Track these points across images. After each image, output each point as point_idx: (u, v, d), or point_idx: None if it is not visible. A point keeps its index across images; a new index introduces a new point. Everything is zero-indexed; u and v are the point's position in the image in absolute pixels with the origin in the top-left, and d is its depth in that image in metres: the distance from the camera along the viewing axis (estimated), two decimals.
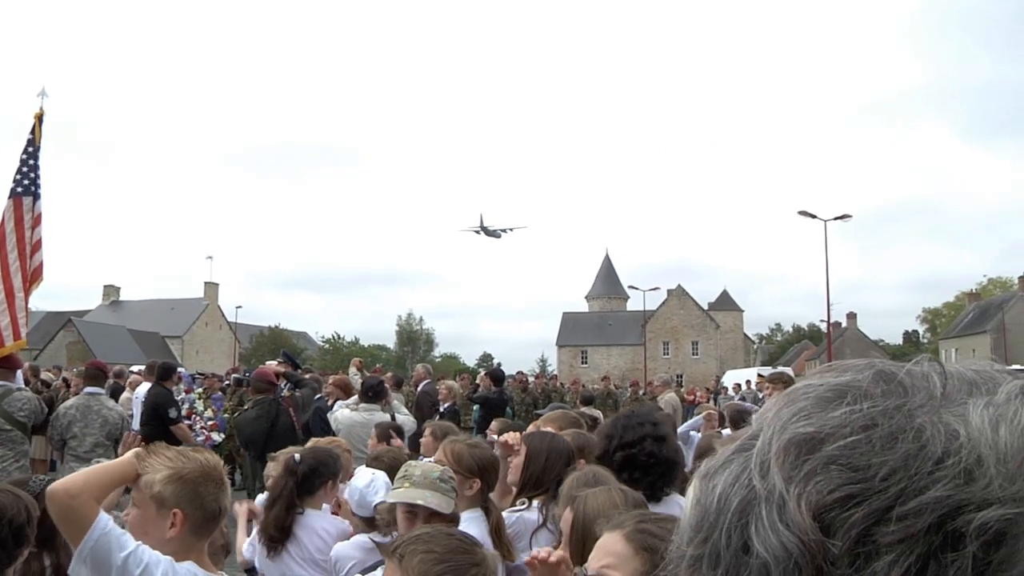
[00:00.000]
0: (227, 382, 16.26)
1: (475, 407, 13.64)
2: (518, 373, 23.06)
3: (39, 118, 7.39)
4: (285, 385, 9.67)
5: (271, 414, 8.42)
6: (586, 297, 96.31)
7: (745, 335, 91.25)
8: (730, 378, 36.95)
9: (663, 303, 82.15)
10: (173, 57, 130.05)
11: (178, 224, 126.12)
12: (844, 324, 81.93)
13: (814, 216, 35.93)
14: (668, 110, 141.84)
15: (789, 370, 42.87)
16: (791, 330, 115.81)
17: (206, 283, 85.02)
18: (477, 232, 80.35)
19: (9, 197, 7.26)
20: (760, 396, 18.92)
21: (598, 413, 10.16)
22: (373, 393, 8.05)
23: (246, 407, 9.45)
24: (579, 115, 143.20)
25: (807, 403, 0.58)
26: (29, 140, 7.37)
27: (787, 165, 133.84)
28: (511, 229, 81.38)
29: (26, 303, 7.17)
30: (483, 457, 3.58)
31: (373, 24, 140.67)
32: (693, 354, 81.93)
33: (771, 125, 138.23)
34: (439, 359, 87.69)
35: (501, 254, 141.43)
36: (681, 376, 74.55)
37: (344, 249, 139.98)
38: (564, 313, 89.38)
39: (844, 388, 0.56)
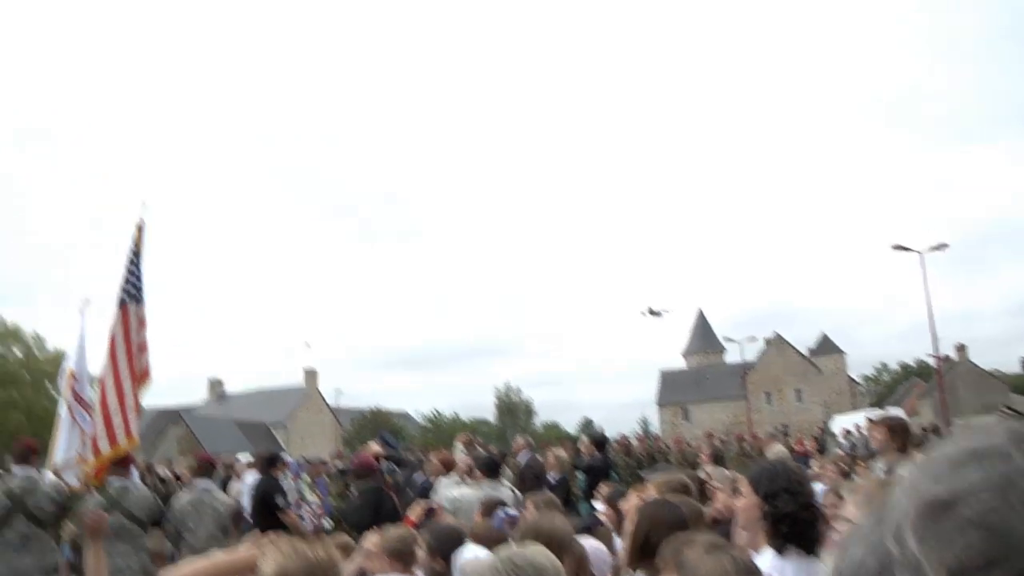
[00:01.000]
0: (336, 465, 16.50)
1: (580, 475, 13.45)
2: (620, 436, 22.76)
3: (141, 228, 7.84)
4: (387, 467, 9.79)
5: (375, 500, 8.47)
6: (682, 353, 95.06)
7: (849, 377, 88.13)
8: (837, 423, 35.52)
9: (762, 353, 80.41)
10: (262, 160, 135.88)
11: (276, 315, 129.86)
12: (954, 357, 78.19)
13: (909, 249, 34.75)
14: (745, 157, 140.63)
15: (899, 411, 41.18)
16: (898, 368, 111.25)
17: (305, 370, 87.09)
18: (644, 314, 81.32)
19: (118, 306, 7.68)
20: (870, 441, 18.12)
21: (726, 473, 9.91)
22: (490, 468, 8.06)
23: (352, 492, 9.52)
24: (660, 175, 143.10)
25: (940, 466, 0.56)
26: (132, 250, 7.81)
27: (873, 197, 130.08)
28: (669, 311, 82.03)
29: (136, 403, 7.51)
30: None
31: (429, 92, 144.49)
32: (797, 402, 79.58)
33: (852, 158, 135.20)
34: (540, 428, 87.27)
35: (594, 317, 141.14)
36: (787, 426, 71.97)
37: (438, 325, 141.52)
38: (661, 371, 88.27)
39: (978, 450, 0.54)
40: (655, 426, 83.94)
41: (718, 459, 11.33)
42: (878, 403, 77.43)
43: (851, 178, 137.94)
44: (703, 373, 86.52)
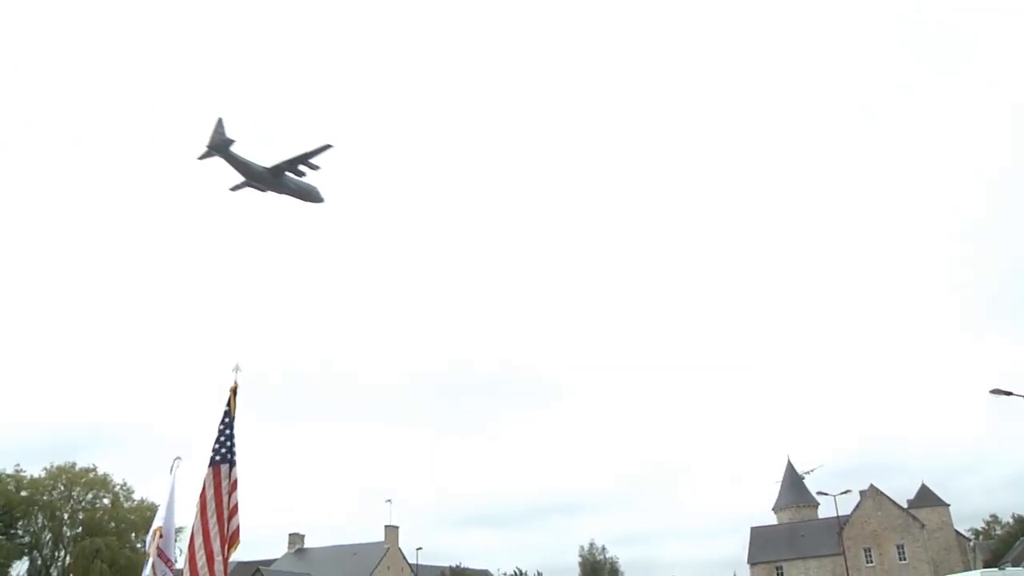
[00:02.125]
0: None
1: None
2: None
3: (234, 391, 8.12)
4: None
5: None
6: (773, 509, 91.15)
7: (957, 532, 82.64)
8: None
9: (857, 506, 76.39)
10: (340, 321, 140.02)
11: (358, 470, 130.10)
12: None
13: (1010, 393, 33.14)
14: (834, 300, 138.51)
15: (1019, 572, 38.22)
16: (1011, 521, 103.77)
17: (386, 526, 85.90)
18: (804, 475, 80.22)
19: (209, 466, 7.88)
20: None
21: None
22: None
23: None
24: (739, 320, 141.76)
25: None
26: (225, 412, 8.07)
27: (969, 339, 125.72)
28: (815, 469, 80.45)
29: (225, 566, 7.56)
30: None
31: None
32: (900, 559, 74.58)
33: (946, 301, 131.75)
34: None
35: (676, 472, 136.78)
36: None
37: (519, 482, 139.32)
38: (752, 528, 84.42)
39: None
40: None
41: None
42: (994, 561, 72.07)
43: (945, 319, 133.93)
44: (797, 529, 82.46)
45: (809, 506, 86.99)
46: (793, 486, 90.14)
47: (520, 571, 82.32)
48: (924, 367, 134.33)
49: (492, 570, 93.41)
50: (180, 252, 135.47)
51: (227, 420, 8.03)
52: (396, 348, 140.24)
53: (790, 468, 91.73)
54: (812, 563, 76.83)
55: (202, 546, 7.62)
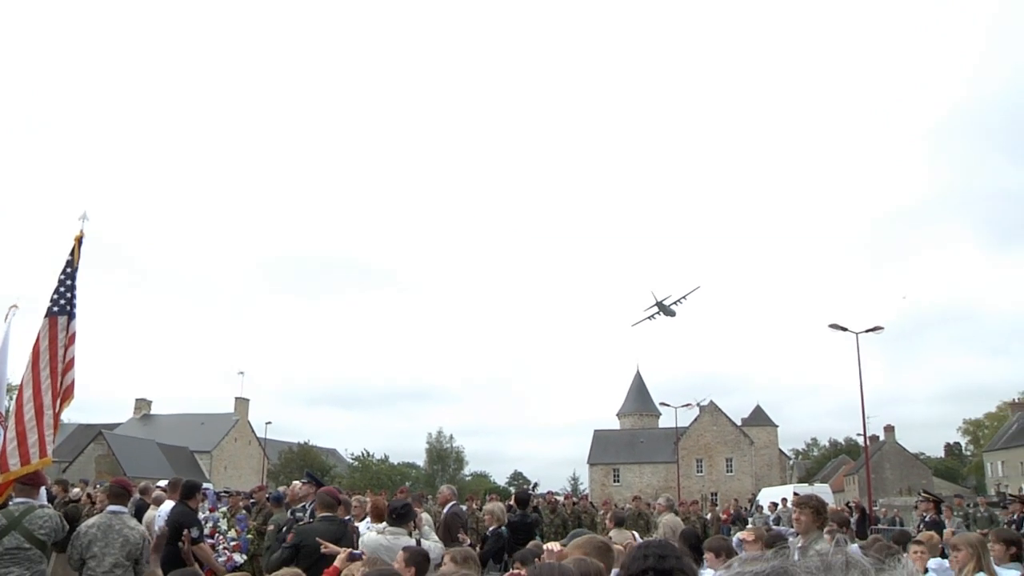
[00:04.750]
0: (252, 500, 16.07)
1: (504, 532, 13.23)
2: (548, 493, 22.66)
3: (79, 240, 7.65)
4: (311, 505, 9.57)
5: (339, 532, 7.99)
6: (617, 414, 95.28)
7: (780, 451, 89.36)
8: (765, 496, 35.92)
9: (696, 419, 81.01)
10: (203, 170, 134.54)
11: (210, 339, 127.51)
12: (882, 438, 79.88)
13: (845, 329, 35.52)
14: (695, 224, 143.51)
15: (825, 488, 41.81)
16: (827, 445, 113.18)
17: (237, 398, 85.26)
18: (654, 316, 77.39)
19: (46, 316, 7.45)
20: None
21: (628, 536, 9.85)
22: (398, 516, 7.86)
23: (307, 521, 9.07)
24: (607, 224, 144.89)
25: None
26: (68, 261, 7.61)
27: (815, 277, 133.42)
28: (685, 297, 77.25)
29: (55, 421, 7.26)
30: None
31: (395, 147, 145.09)
32: (727, 471, 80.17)
33: (799, 237, 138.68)
34: (469, 477, 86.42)
35: (530, 370, 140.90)
36: (715, 494, 72.78)
37: (374, 365, 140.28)
38: (595, 431, 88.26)
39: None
40: (585, 485, 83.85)
41: (619, 523, 11.28)
42: (807, 478, 78.43)
43: (796, 257, 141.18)
44: (637, 436, 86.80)
45: (651, 415, 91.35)
46: (639, 395, 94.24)
47: (367, 452, 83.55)
48: (775, 298, 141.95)
49: (340, 450, 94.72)
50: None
51: (69, 270, 7.58)
52: (254, 228, 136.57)
53: (638, 377, 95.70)
54: (647, 468, 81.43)
55: (31, 399, 7.27)
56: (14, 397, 7.87)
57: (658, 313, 76.56)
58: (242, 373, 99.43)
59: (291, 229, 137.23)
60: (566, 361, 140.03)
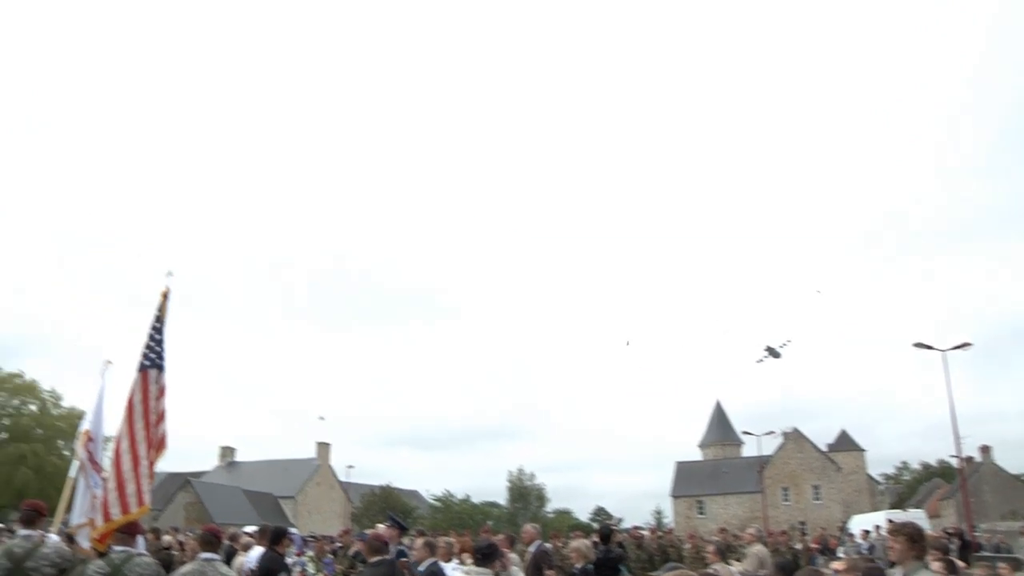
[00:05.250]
0: (338, 544, 16.28)
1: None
2: (632, 528, 22.35)
3: (165, 296, 7.98)
4: (399, 549, 9.67)
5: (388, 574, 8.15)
6: (699, 445, 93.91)
7: (869, 476, 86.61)
8: (857, 523, 34.75)
9: (780, 447, 79.26)
10: (275, 217, 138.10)
11: (291, 386, 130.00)
12: (978, 459, 76.45)
13: (931, 347, 34.39)
14: (772, 247, 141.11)
15: (920, 514, 40.20)
16: (919, 468, 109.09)
17: (318, 443, 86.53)
18: (762, 360, 77.75)
19: (137, 370, 7.76)
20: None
21: (732, 568, 9.67)
22: (483, 556, 7.88)
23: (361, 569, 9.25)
24: (678, 261, 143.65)
25: None
26: (156, 316, 7.93)
27: (897, 295, 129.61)
28: (789, 341, 77.79)
29: (151, 471, 7.52)
30: None
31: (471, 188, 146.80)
32: (815, 499, 77.93)
33: (878, 256, 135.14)
34: (551, 514, 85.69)
35: (607, 404, 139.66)
36: (804, 523, 70.76)
37: (452, 405, 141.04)
38: (677, 462, 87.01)
39: None
40: (669, 518, 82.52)
41: (724, 555, 11.01)
42: (899, 504, 75.74)
43: (877, 275, 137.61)
44: (720, 466, 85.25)
45: (733, 444, 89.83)
46: (720, 424, 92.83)
47: (449, 493, 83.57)
48: (856, 318, 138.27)
49: (421, 491, 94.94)
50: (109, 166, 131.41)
51: (158, 325, 7.91)
52: (318, 256, 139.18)
53: (718, 407, 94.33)
54: (732, 499, 79.73)
55: (128, 450, 7.57)
56: (111, 449, 8.20)
57: (767, 357, 75.85)
58: (322, 418, 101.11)
59: (365, 269, 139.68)
60: (643, 393, 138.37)
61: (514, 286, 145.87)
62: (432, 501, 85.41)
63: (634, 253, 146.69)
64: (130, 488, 7.33)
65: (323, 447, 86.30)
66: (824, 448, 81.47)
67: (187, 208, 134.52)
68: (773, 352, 75.18)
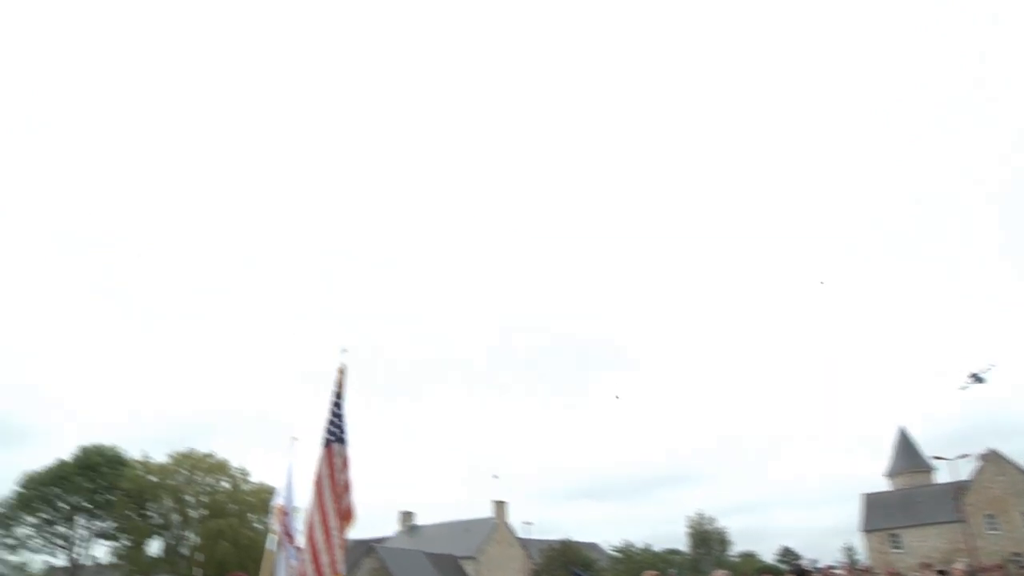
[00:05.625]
0: None
1: None
2: (827, 568, 21.42)
3: (342, 372, 8.48)
4: None
5: None
6: (886, 474, 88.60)
7: None
8: None
9: (977, 471, 73.51)
10: (432, 278, 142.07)
11: (467, 447, 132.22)
12: None
13: None
14: (952, 252, 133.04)
15: None
16: None
17: (495, 501, 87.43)
18: (966, 387, 74.93)
19: (322, 446, 8.27)
20: None
21: None
22: None
23: None
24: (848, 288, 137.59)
25: None
26: (335, 392, 8.44)
27: None
28: (993, 365, 74.52)
29: (342, 541, 7.96)
30: None
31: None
32: None
33: None
34: (736, 558, 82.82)
35: (782, 440, 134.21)
36: (1020, 555, 65.03)
37: (625, 454, 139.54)
38: (865, 494, 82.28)
39: None
40: (861, 554, 78.02)
41: None
42: None
43: None
44: (912, 496, 79.96)
45: (923, 471, 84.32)
46: (906, 451, 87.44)
47: (629, 543, 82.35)
48: None
49: (600, 543, 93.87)
50: (282, 247, 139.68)
51: (337, 400, 8.40)
52: (485, 321, 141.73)
53: (902, 433, 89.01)
54: (930, 530, 74.43)
55: (320, 523, 8.02)
56: (302, 520, 8.72)
57: (971, 384, 71.41)
58: (496, 477, 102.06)
59: (527, 324, 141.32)
60: (818, 424, 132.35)
61: (684, 332, 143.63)
62: (612, 552, 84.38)
63: (795, 290, 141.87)
64: (324, 559, 7.76)
65: (500, 505, 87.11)
66: None
67: (360, 283, 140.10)
68: (978, 378, 70.39)
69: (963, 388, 70.49)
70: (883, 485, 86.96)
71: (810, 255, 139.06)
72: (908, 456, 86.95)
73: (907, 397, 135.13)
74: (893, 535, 76.37)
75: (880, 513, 78.56)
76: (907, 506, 77.98)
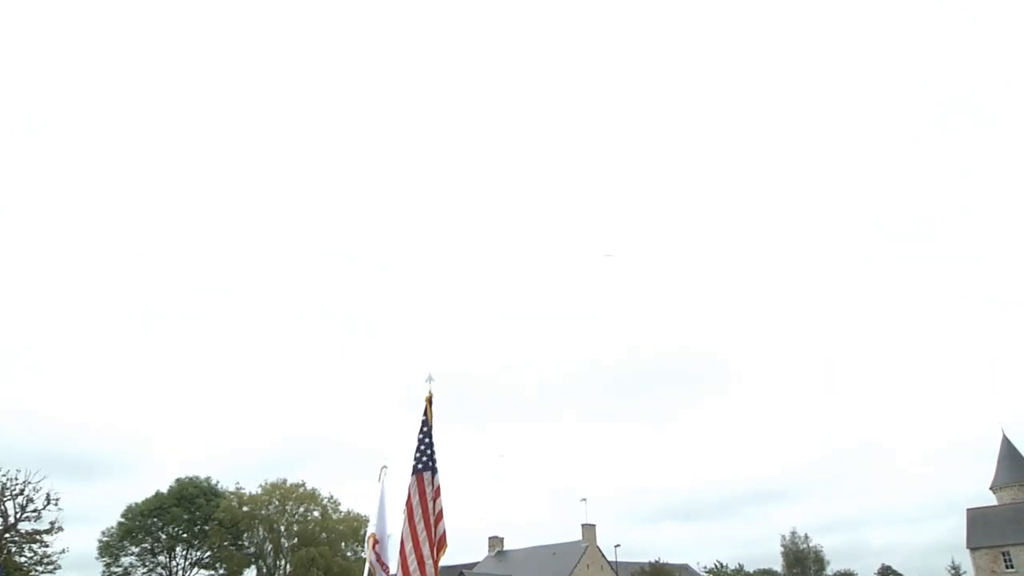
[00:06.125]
0: None
1: None
2: None
3: (429, 400, 8.47)
4: None
5: None
6: (991, 488, 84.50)
7: None
8: None
9: None
10: (528, 327, 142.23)
11: (555, 471, 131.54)
12: None
13: None
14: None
15: None
16: None
17: (583, 525, 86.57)
18: None
19: (412, 474, 8.24)
20: None
21: None
22: None
23: None
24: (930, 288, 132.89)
25: None
26: (423, 421, 8.42)
27: None
28: None
29: (436, 569, 7.89)
30: None
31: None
32: None
33: None
34: None
35: (874, 452, 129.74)
36: None
37: (708, 472, 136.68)
38: (969, 509, 78.63)
39: None
40: (969, 572, 74.58)
41: None
42: None
43: None
44: (1022, 510, 76.08)
45: None
46: (1011, 461, 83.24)
47: (721, 564, 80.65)
48: None
49: (692, 564, 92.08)
50: (357, 276, 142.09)
51: (425, 429, 8.39)
52: (570, 343, 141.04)
53: (1005, 442, 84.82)
54: None
55: (412, 551, 7.99)
56: (395, 549, 8.68)
57: None
58: (584, 500, 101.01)
59: (608, 344, 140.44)
60: (913, 435, 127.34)
61: (772, 348, 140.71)
62: (704, 574, 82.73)
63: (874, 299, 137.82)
64: None
65: (588, 528, 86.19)
66: None
67: (442, 312, 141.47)
68: None
69: None
70: (985, 499, 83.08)
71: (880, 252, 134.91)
72: (1014, 467, 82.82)
73: (1008, 401, 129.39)
74: (1004, 552, 72.70)
75: (987, 529, 74.92)
76: (1017, 521, 74.17)
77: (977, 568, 73.51)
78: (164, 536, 64.55)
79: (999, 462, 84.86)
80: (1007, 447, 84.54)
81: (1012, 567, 70.85)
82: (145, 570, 64.15)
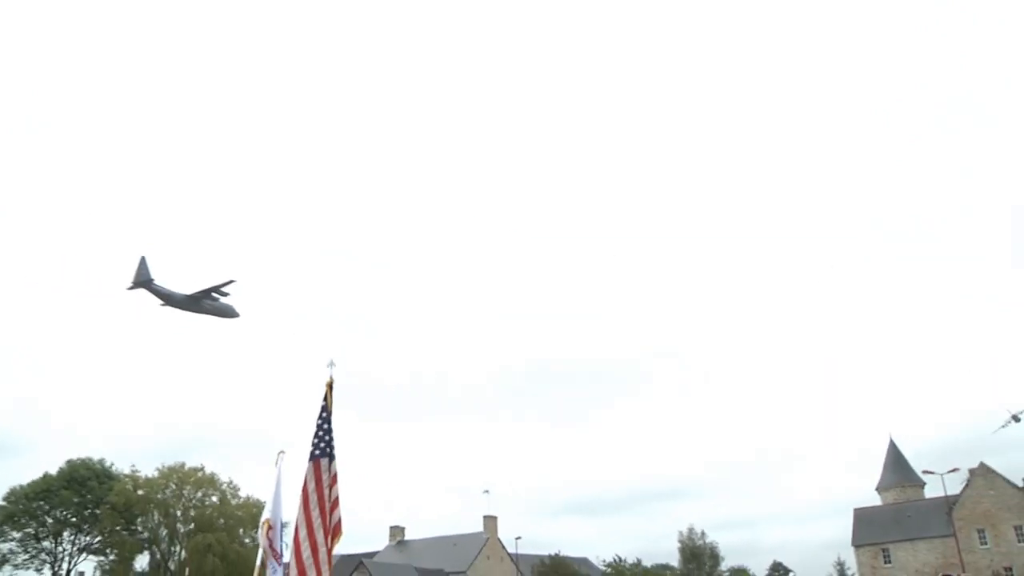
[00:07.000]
0: None
1: None
2: None
3: (330, 386, 8.38)
4: None
5: None
6: (877, 489, 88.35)
7: None
8: None
9: (967, 485, 73.34)
10: (433, 304, 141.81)
11: (457, 464, 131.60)
12: None
13: None
14: (944, 265, 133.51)
15: None
16: None
17: (485, 516, 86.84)
18: (1007, 425, 74.83)
19: (309, 460, 8.15)
20: None
21: None
22: None
23: None
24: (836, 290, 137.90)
25: None
26: (323, 407, 8.33)
27: None
28: None
29: (329, 557, 7.83)
30: None
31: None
32: (1019, 541, 71.23)
33: None
34: (727, 573, 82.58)
35: (771, 454, 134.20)
36: (1010, 569, 65.00)
37: (614, 470, 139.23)
38: (855, 509, 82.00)
39: None
40: (852, 569, 77.90)
41: None
42: None
43: None
44: (902, 510, 79.75)
45: (914, 486, 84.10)
46: (896, 465, 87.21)
47: (619, 558, 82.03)
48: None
49: (591, 558, 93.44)
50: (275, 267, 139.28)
51: (324, 415, 8.30)
52: (483, 346, 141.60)
53: (892, 446, 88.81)
54: (921, 544, 74.27)
55: (307, 538, 7.91)
56: (289, 536, 8.58)
57: (1010, 423, 71.56)
58: (487, 492, 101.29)
59: (528, 342, 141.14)
60: (808, 439, 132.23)
61: (676, 352, 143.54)
62: (603, 568, 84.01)
63: (788, 299, 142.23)
64: (311, 574, 7.63)
65: (490, 520, 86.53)
66: (1020, 484, 74.84)
67: (348, 295, 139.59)
68: (1016, 418, 70.72)
69: (1003, 427, 71.02)
70: (873, 499, 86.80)
71: (803, 256, 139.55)
72: (899, 470, 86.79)
73: (899, 410, 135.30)
74: (884, 549, 76.17)
75: (871, 528, 78.38)
76: (898, 521, 77.79)
77: (860, 564, 76.84)
78: (51, 520, 61.98)
79: (885, 464, 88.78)
80: (893, 452, 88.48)
81: (890, 563, 74.28)
82: (27, 556, 61.44)
